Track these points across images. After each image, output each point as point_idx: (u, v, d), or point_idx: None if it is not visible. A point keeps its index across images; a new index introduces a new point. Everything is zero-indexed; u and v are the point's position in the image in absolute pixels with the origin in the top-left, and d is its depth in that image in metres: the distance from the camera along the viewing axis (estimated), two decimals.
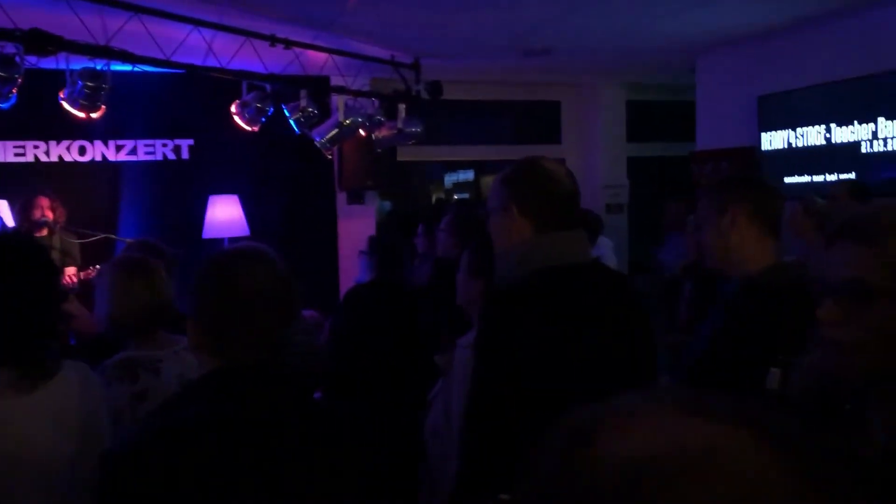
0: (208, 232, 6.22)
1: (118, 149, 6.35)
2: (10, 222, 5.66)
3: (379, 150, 6.44)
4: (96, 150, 6.29)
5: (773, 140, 6.10)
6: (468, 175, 9.04)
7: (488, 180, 8.53)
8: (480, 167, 8.72)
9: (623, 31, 5.58)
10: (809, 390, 1.20)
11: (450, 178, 9.28)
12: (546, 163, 2.00)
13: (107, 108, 4.23)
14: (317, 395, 3.48)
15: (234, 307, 1.55)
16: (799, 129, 5.86)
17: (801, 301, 1.40)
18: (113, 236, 5.92)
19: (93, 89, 4.05)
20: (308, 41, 5.10)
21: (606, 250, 5.56)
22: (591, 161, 8.09)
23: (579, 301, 1.86)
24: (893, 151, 5.16)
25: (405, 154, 7.37)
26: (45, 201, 5.41)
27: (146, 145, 6.42)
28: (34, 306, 1.88)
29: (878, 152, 5.24)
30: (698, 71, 6.93)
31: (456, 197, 9.04)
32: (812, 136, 5.77)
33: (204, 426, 1.46)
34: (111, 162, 6.35)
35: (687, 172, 6.85)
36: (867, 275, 1.07)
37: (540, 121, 8.35)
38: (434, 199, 8.90)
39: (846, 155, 5.46)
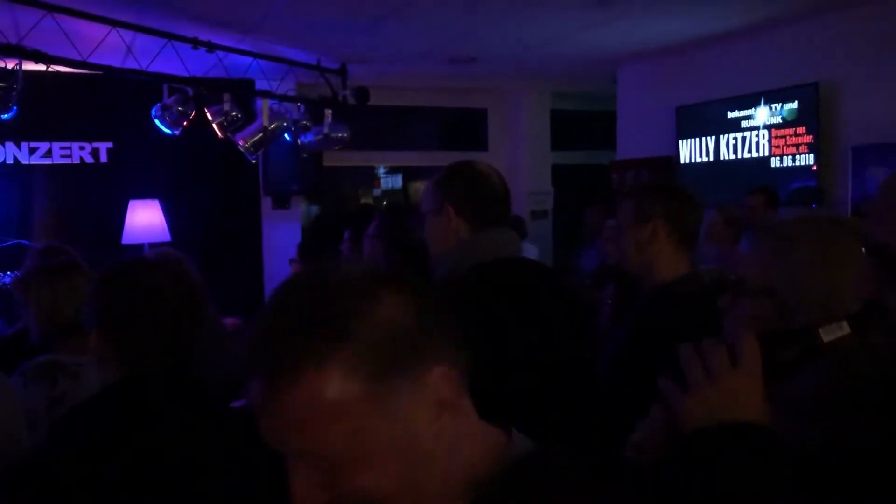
0: (128, 237, 6.06)
1: (32, 151, 6.13)
2: None
3: (305, 155, 6.40)
4: (8, 152, 6.06)
5: (690, 150, 6.32)
6: (396, 180, 9.06)
7: (417, 186, 8.56)
8: (409, 173, 8.75)
9: (547, 41, 5.70)
10: None
11: (377, 183, 9.28)
12: (477, 165, 2.07)
13: (20, 109, 4.09)
14: (239, 403, 3.43)
15: (135, 315, 1.54)
16: (714, 140, 6.09)
17: (712, 309, 1.47)
18: (25, 242, 5.71)
19: (3, 90, 3.91)
20: (232, 44, 5.04)
21: (530, 254, 5.64)
22: (516, 168, 8.21)
23: (521, 291, 1.93)
24: (799, 166, 5.42)
25: (332, 159, 7.33)
26: None
27: (62, 148, 6.22)
28: None
29: (787, 167, 5.50)
30: (619, 81, 7.13)
31: (385, 203, 9.04)
32: (725, 146, 6.01)
33: (105, 439, 1.44)
34: (24, 164, 6.12)
35: (609, 180, 7.03)
36: (747, 273, 1.17)
37: (467, 127, 8.44)
38: (361, 204, 8.87)
39: (758, 165, 5.71)
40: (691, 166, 6.30)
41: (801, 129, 5.40)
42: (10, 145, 6.04)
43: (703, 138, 6.18)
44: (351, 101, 5.93)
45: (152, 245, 5.92)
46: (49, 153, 6.18)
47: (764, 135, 5.68)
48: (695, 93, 6.25)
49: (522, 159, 8.18)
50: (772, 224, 1.28)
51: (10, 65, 3.96)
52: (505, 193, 2.04)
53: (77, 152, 6.27)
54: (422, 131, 8.28)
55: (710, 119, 6.11)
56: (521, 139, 8.22)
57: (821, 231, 1.22)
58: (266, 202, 6.98)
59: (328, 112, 5.78)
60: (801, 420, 1.09)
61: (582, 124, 8.56)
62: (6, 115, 4.02)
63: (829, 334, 0.99)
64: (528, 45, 5.87)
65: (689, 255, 2.12)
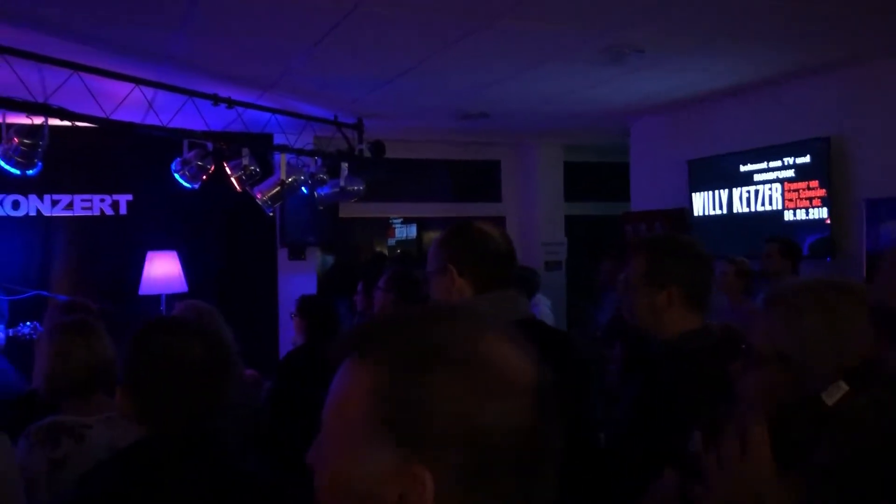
0: (145, 288, 6.12)
1: (54, 203, 6.26)
2: None
3: (321, 207, 6.49)
4: (31, 205, 6.18)
5: (703, 202, 6.35)
6: (411, 230, 9.13)
7: (431, 236, 8.62)
8: (423, 223, 8.82)
9: (558, 97, 5.79)
10: None
11: (392, 233, 9.35)
12: (480, 225, 2.08)
13: (44, 163, 4.19)
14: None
15: (160, 378, 1.58)
16: (727, 192, 6.12)
17: (723, 364, 1.47)
18: (44, 293, 5.79)
19: (29, 146, 4.02)
20: (251, 100, 5.16)
21: (544, 307, 5.65)
22: (530, 219, 8.27)
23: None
24: (813, 220, 5.43)
25: (347, 210, 7.42)
26: None
27: (83, 200, 6.35)
28: None
29: (801, 220, 5.51)
30: (632, 134, 7.21)
31: (398, 252, 9.10)
32: (738, 199, 6.04)
33: (121, 499, 1.46)
34: (46, 216, 6.24)
35: (622, 231, 7.06)
36: (759, 342, 1.19)
37: (480, 179, 8.53)
38: (373, 253, 8.93)
39: (770, 219, 5.72)
40: (704, 219, 6.32)
41: (814, 183, 5.42)
42: (32, 198, 6.17)
43: (716, 191, 6.22)
44: (367, 154, 6.03)
45: (169, 297, 5.98)
46: (70, 205, 6.31)
47: (777, 188, 5.70)
48: (707, 146, 6.30)
49: (536, 210, 8.24)
50: (782, 292, 1.31)
51: (37, 122, 4.08)
52: (508, 254, 2.04)
53: (98, 204, 6.39)
54: (436, 183, 8.37)
55: (722, 172, 6.15)
56: (534, 191, 8.28)
57: (829, 299, 1.24)
58: (282, 253, 7.05)
59: (344, 165, 5.87)
60: (824, 491, 1.10)
61: (595, 176, 8.62)
62: (32, 171, 4.12)
63: (830, 397, 1.01)
64: (539, 101, 5.97)
65: (701, 311, 2.10)
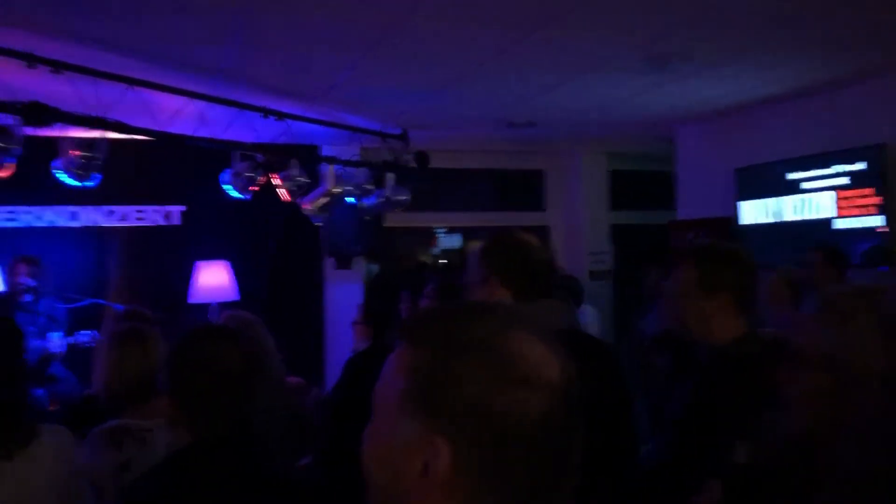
0: (196, 297, 6.26)
1: (109, 214, 6.44)
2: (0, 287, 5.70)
3: (367, 217, 6.56)
4: (87, 216, 6.37)
5: (750, 211, 6.27)
6: (455, 239, 9.16)
7: (475, 245, 8.63)
8: (467, 233, 8.85)
9: (602, 106, 5.79)
10: (774, 460, 1.28)
11: (435, 243, 9.39)
12: (520, 235, 2.11)
13: (100, 174, 4.32)
14: (304, 460, 3.49)
15: (198, 384, 1.64)
16: (775, 201, 6.03)
17: (770, 372, 1.48)
18: (101, 301, 5.96)
19: (87, 159, 4.16)
20: (300, 113, 5.26)
21: (590, 318, 5.63)
22: (574, 228, 8.24)
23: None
24: (866, 228, 5.32)
25: (392, 220, 7.49)
26: (23, 267, 5.45)
27: (137, 211, 6.52)
28: (5, 376, 1.93)
29: (853, 228, 5.41)
30: (677, 142, 7.15)
31: (442, 261, 9.13)
32: (787, 208, 5.94)
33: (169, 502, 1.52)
34: (102, 227, 6.43)
35: (668, 240, 7.00)
36: (807, 346, 1.19)
37: (524, 188, 8.53)
38: (417, 261, 8.97)
39: (819, 227, 5.62)
40: (752, 227, 6.23)
41: (870, 191, 5.31)
42: (89, 208, 6.36)
43: (764, 199, 6.13)
44: (412, 164, 6.09)
45: (221, 305, 6.10)
46: (125, 216, 6.48)
47: (829, 196, 5.60)
48: (755, 153, 6.22)
49: (581, 219, 8.21)
50: (832, 297, 1.30)
51: (95, 135, 4.22)
52: (548, 263, 2.06)
53: (151, 215, 6.56)
54: (480, 192, 8.40)
55: (770, 180, 6.06)
56: (578, 199, 8.26)
57: (880, 305, 1.24)
58: (329, 262, 7.14)
59: (390, 176, 5.94)
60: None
61: (640, 184, 8.55)
62: (90, 183, 4.26)
63: None
64: (583, 110, 5.97)
65: (748, 317, 2.11)
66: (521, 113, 6.04)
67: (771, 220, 6.09)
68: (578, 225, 8.21)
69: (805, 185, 5.79)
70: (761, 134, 6.21)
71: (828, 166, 5.60)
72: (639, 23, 3.86)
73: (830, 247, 4.94)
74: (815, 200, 5.71)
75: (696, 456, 1.80)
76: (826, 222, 5.59)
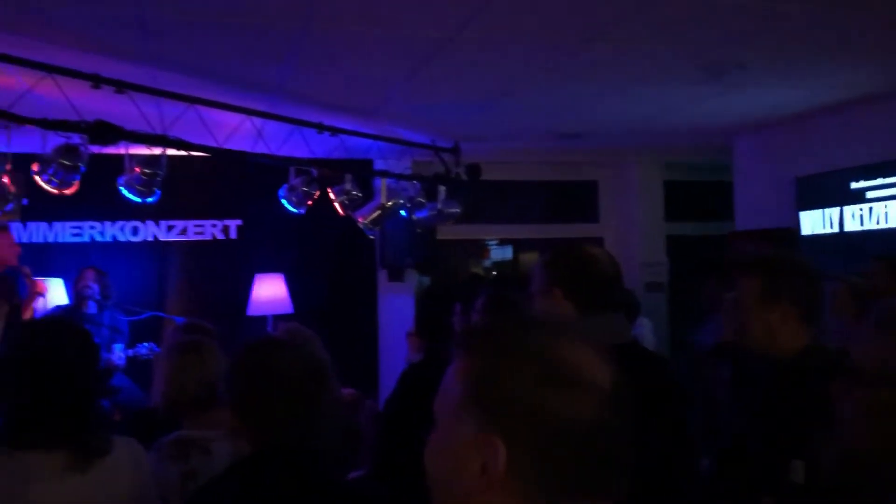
0: (253, 310, 6.37)
1: (169, 229, 6.61)
2: (63, 300, 5.89)
3: (419, 230, 6.60)
4: (148, 230, 6.55)
5: (812, 221, 6.11)
6: (506, 251, 9.14)
7: (527, 257, 8.61)
8: (519, 245, 8.82)
9: (657, 115, 5.72)
10: (831, 481, 1.24)
11: (487, 255, 9.38)
12: (588, 248, 2.09)
13: (161, 190, 4.44)
14: (357, 473, 3.51)
15: (258, 395, 1.66)
16: (838, 211, 5.87)
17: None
18: (161, 314, 6.11)
19: (149, 175, 4.27)
20: (354, 128, 5.32)
21: (645, 330, 5.55)
22: (629, 239, 8.14)
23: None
24: None
25: (445, 232, 7.51)
26: (90, 274, 5.62)
27: (196, 225, 6.67)
28: (80, 387, 1.98)
29: None
30: (735, 151, 7.02)
31: (494, 273, 9.11)
32: (851, 217, 5.78)
33: None
34: (162, 241, 6.59)
35: (725, 251, 6.86)
36: (865, 360, 1.15)
37: (577, 200, 8.46)
38: (469, 273, 8.97)
39: (884, 237, 5.45)
40: (814, 238, 6.07)
41: None
42: (150, 223, 6.54)
43: (826, 209, 5.97)
44: (463, 177, 6.11)
45: (276, 317, 6.20)
46: (185, 231, 6.65)
47: (895, 205, 5.42)
48: (816, 162, 6.07)
49: (635, 230, 8.10)
50: (890, 310, 1.26)
51: (156, 152, 4.34)
52: (614, 277, 2.04)
53: (210, 229, 6.71)
54: (532, 204, 8.36)
55: (833, 189, 5.90)
56: (633, 210, 8.16)
57: None
58: (382, 275, 7.19)
59: (442, 189, 5.97)
60: None
61: (696, 195, 8.41)
62: (151, 199, 4.37)
63: None
64: (637, 120, 5.91)
65: (811, 328, 2.06)
66: (574, 124, 6.01)
67: (833, 230, 5.93)
68: (633, 236, 8.10)
69: (870, 195, 5.62)
70: (822, 142, 6.05)
71: (893, 174, 5.43)
72: (694, 32, 3.81)
73: (893, 258, 4.79)
74: (881, 210, 5.54)
75: (752, 473, 1.76)
76: (892, 232, 5.42)
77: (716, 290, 5.38)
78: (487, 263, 9.31)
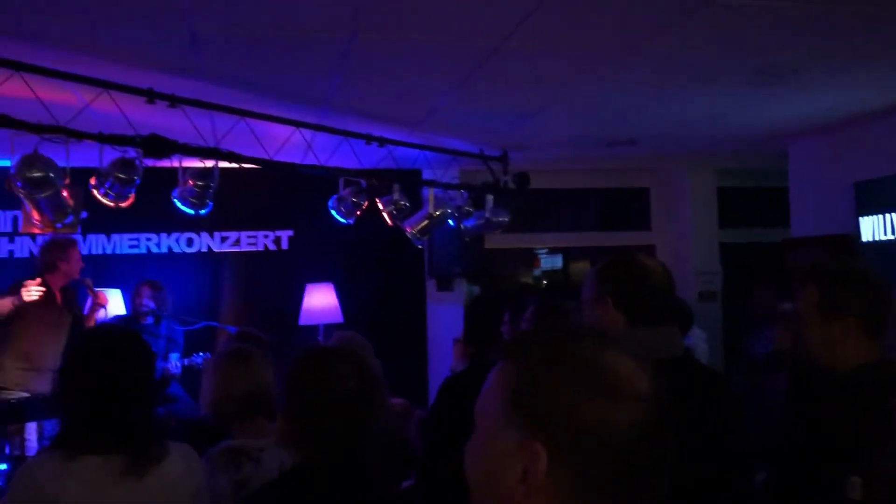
0: (304, 319, 6.44)
1: (223, 240, 6.73)
2: (121, 310, 6.04)
3: (467, 239, 6.59)
4: (203, 242, 6.68)
5: (872, 227, 5.92)
6: (556, 260, 9.07)
7: (577, 266, 8.53)
8: (569, 253, 8.74)
9: (709, 120, 5.62)
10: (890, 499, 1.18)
11: (537, 264, 9.32)
12: (642, 258, 2.06)
13: (213, 202, 4.53)
14: (407, 483, 3.51)
15: (313, 404, 1.66)
16: None
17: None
18: (215, 324, 6.22)
19: (202, 188, 4.36)
20: (401, 138, 5.35)
21: (698, 340, 5.44)
22: (682, 247, 8.00)
23: (675, 398, 1.86)
24: None
25: (493, 241, 7.49)
26: (146, 290, 5.75)
27: (249, 236, 6.79)
28: (137, 395, 2.02)
29: None
30: (790, 156, 6.85)
31: (544, 282, 9.05)
32: None
33: None
34: (216, 252, 6.72)
35: (781, 259, 6.70)
36: None
37: (628, 207, 8.36)
38: (519, 284, 8.92)
39: None
40: (875, 245, 5.88)
41: None
42: (204, 235, 6.67)
43: (888, 214, 5.77)
44: (512, 186, 6.08)
45: (327, 327, 6.25)
46: (237, 241, 6.77)
47: None
48: (875, 166, 5.88)
49: (688, 238, 7.97)
50: None
51: (209, 164, 4.42)
52: (667, 289, 2.00)
53: (262, 240, 6.82)
54: (582, 212, 8.28)
55: (894, 193, 5.71)
56: (686, 218, 8.02)
57: None
58: (430, 284, 7.21)
59: (489, 197, 5.95)
60: None
61: (751, 201, 8.23)
62: (203, 211, 4.46)
63: None
64: (689, 125, 5.81)
65: (878, 341, 1.98)
66: (623, 130, 5.94)
67: (894, 236, 5.73)
68: (686, 244, 7.97)
69: None
70: (882, 146, 5.86)
71: None
72: (746, 35, 3.73)
73: None
74: None
75: (809, 488, 1.71)
76: None
77: (771, 300, 5.26)
78: (537, 273, 9.25)
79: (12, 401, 4.79)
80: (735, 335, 7.04)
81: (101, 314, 5.60)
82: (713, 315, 7.61)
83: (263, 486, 1.79)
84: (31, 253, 6.26)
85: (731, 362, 6.95)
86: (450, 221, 5.87)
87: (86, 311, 5.51)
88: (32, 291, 4.93)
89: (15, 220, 6.15)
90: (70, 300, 5.45)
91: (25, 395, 4.89)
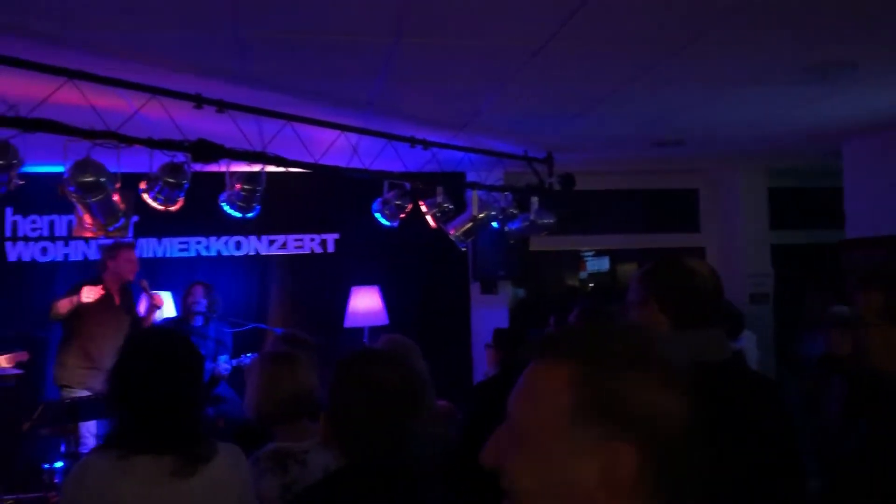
0: (350, 321, 6.48)
1: (270, 243, 6.82)
2: (171, 312, 6.15)
3: (511, 241, 6.56)
4: (250, 245, 6.78)
5: None
6: (603, 263, 8.98)
7: (624, 269, 8.43)
8: (616, 255, 8.64)
9: (759, 120, 5.50)
10: None
11: (583, 266, 9.24)
12: (688, 261, 2.02)
13: (261, 206, 4.58)
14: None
15: (358, 405, 1.65)
16: None
17: None
18: (262, 326, 6.29)
19: (249, 192, 4.41)
20: (445, 141, 5.35)
21: (749, 343, 5.33)
22: (732, 249, 7.85)
23: (713, 402, 1.81)
24: None
25: (538, 244, 7.44)
26: (199, 290, 5.86)
27: (296, 239, 6.86)
28: (186, 396, 2.05)
29: None
30: (845, 155, 6.67)
31: (590, 285, 8.97)
32: None
33: None
34: (263, 255, 6.81)
35: (836, 261, 6.52)
36: None
37: (677, 209, 8.23)
38: (566, 286, 8.85)
39: None
40: None
41: None
42: (252, 238, 6.77)
43: None
44: (557, 187, 6.03)
45: (372, 329, 6.28)
46: (284, 245, 6.85)
47: None
48: None
49: (738, 240, 7.81)
50: None
51: (255, 169, 4.48)
52: (715, 293, 1.95)
53: (308, 243, 6.89)
54: (629, 214, 8.18)
55: None
56: (736, 219, 7.87)
57: None
58: (475, 287, 7.19)
59: (534, 199, 5.91)
60: None
61: (804, 202, 8.04)
62: (251, 214, 4.51)
63: None
64: (739, 125, 5.69)
65: None
66: (671, 131, 5.85)
67: None
68: (736, 246, 7.81)
69: None
70: None
71: None
72: (800, 30, 3.64)
73: None
74: None
75: (866, 497, 1.65)
76: None
77: (824, 302, 5.13)
78: (583, 275, 9.17)
79: (67, 400, 4.92)
80: (787, 338, 6.88)
81: (156, 315, 5.73)
82: (765, 318, 7.45)
83: (308, 488, 1.79)
84: (84, 256, 6.42)
85: (782, 366, 6.79)
86: (494, 224, 5.85)
87: (143, 313, 5.63)
88: (89, 293, 5.09)
89: (69, 224, 6.31)
90: (128, 301, 5.58)
91: (87, 393, 5.03)
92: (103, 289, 5.28)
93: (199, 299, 5.83)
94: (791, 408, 2.04)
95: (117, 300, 5.47)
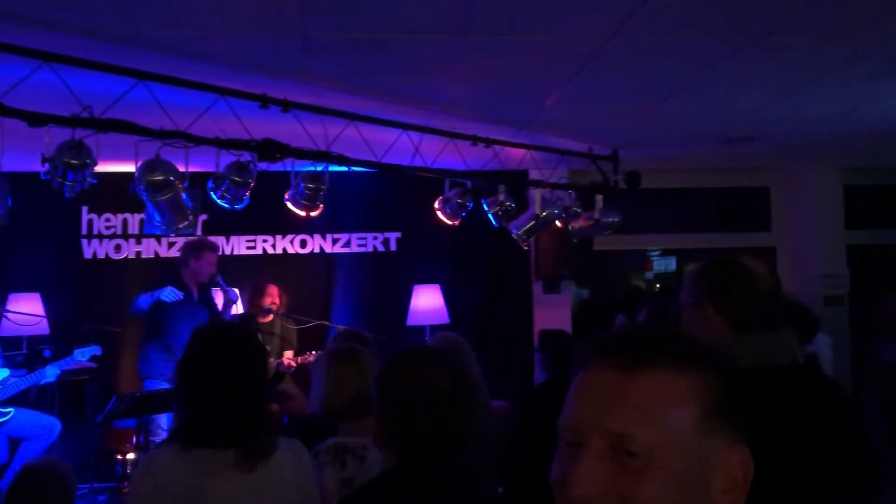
0: (412, 319, 6.50)
1: (335, 241, 6.89)
2: (239, 308, 6.28)
3: (575, 241, 6.47)
4: (315, 243, 6.86)
5: None
6: (670, 263, 8.79)
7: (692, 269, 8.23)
8: (683, 255, 8.44)
9: (835, 115, 5.29)
10: None
11: (650, 266, 9.07)
12: (744, 260, 1.93)
13: (325, 205, 4.63)
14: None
15: (407, 403, 1.63)
16: None
17: None
18: (326, 323, 6.37)
19: (313, 190, 4.46)
20: (507, 139, 5.31)
21: (824, 347, 5.13)
22: (805, 250, 7.59)
23: (779, 408, 1.73)
24: None
25: (602, 243, 7.33)
26: (274, 289, 5.98)
27: (359, 238, 6.91)
28: (250, 391, 2.07)
29: None
30: None
31: (657, 285, 8.79)
32: None
33: None
34: (328, 253, 6.88)
35: None
36: None
37: (747, 207, 7.98)
38: (632, 286, 8.69)
39: None
40: None
41: None
42: (316, 237, 6.85)
43: None
44: (622, 185, 5.93)
45: (433, 328, 6.28)
46: (348, 243, 6.91)
47: None
48: None
49: (812, 240, 7.55)
50: None
51: (319, 168, 4.53)
52: (772, 292, 1.85)
53: (371, 242, 6.93)
54: (697, 213, 7.98)
55: None
56: (809, 218, 7.60)
57: None
58: (537, 286, 7.12)
59: (599, 198, 5.82)
60: None
61: (880, 200, 7.72)
62: (315, 213, 4.56)
63: None
64: (814, 121, 5.49)
65: None
66: (741, 127, 5.67)
67: None
68: (810, 246, 7.55)
69: None
70: None
71: None
72: (880, 22, 3.48)
73: None
74: None
75: None
76: None
77: None
78: (650, 275, 9.00)
79: (136, 395, 5.06)
80: (863, 341, 6.61)
81: (232, 310, 5.87)
82: (840, 320, 7.18)
83: (364, 485, 1.78)
84: (155, 254, 6.60)
85: (859, 370, 6.53)
86: (557, 222, 5.78)
87: (220, 308, 5.77)
88: (170, 294, 5.25)
89: (141, 222, 6.50)
90: (206, 296, 5.74)
91: (168, 385, 5.17)
92: (182, 284, 5.45)
93: (274, 299, 5.94)
94: (867, 415, 1.94)
95: (196, 295, 5.65)
